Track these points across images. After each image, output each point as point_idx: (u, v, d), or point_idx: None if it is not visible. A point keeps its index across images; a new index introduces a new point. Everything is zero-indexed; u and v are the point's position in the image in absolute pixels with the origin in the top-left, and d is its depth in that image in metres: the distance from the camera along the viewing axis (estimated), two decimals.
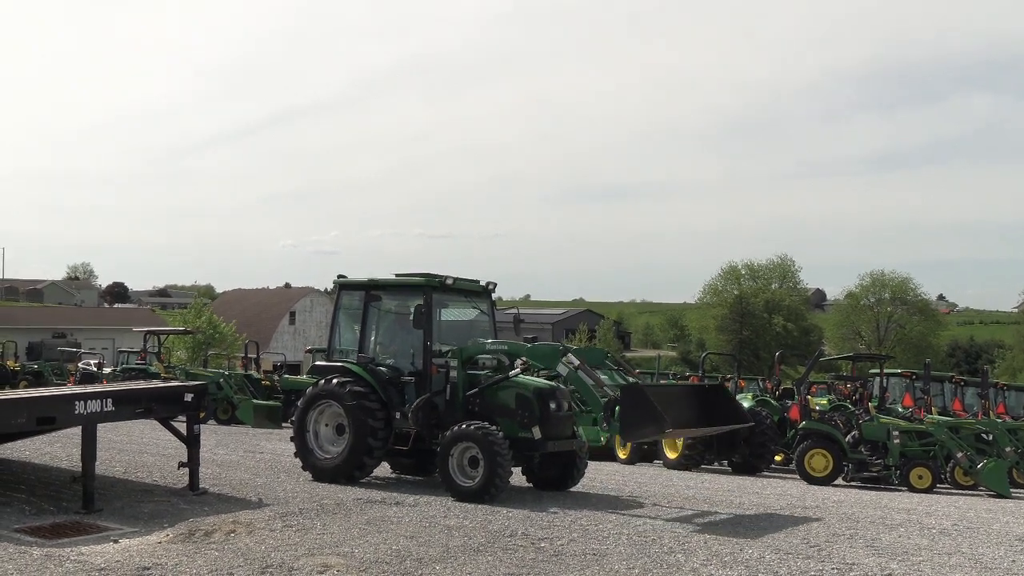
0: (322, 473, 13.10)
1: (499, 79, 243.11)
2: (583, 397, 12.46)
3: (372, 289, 13.83)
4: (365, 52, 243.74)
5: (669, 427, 11.00)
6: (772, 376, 30.01)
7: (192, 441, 11.63)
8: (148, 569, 7.67)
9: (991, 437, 17.96)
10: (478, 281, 14.09)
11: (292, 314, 75.35)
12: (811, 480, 17.95)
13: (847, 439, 18.48)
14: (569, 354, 12.29)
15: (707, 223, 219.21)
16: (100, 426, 10.73)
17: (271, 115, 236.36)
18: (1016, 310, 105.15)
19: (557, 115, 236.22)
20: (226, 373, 29.65)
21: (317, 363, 14.67)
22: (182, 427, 11.76)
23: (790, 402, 22.78)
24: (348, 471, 12.96)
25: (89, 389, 12.50)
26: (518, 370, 12.68)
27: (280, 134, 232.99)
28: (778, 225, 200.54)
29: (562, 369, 12.25)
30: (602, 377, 12.37)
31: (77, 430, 10.59)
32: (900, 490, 17.57)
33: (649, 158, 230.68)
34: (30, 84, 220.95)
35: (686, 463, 19.66)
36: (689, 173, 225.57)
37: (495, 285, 14.18)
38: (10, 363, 41.04)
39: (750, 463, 20.02)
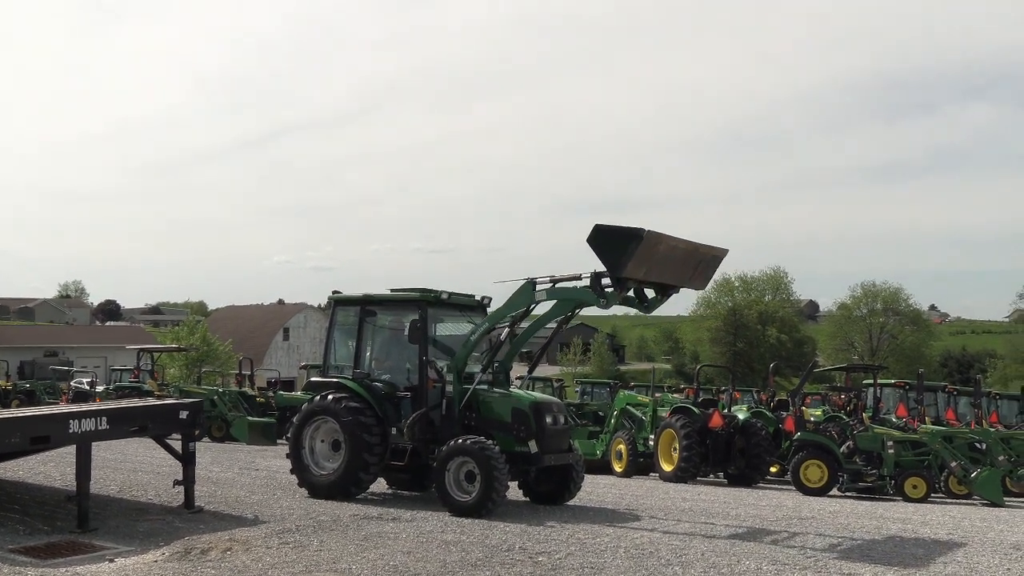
0: (318, 490, 13.07)
1: (498, 92, 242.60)
2: (577, 300, 12.11)
3: (367, 305, 13.83)
4: (365, 65, 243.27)
5: (645, 230, 10.85)
6: (766, 388, 30.14)
7: (187, 459, 11.59)
8: None
9: (984, 446, 17.98)
10: (473, 296, 14.10)
11: (286, 330, 75.39)
12: (806, 491, 17.97)
13: (842, 450, 18.50)
14: (536, 280, 12.27)
15: (701, 235, 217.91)
16: (94, 445, 10.71)
17: (267, 129, 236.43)
18: (1008, 319, 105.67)
19: (556, 128, 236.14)
20: (220, 390, 29.57)
21: (312, 379, 14.63)
22: (177, 445, 11.75)
23: (785, 413, 22.83)
24: (344, 487, 12.93)
25: (83, 408, 12.45)
26: (507, 327, 12.63)
27: (276, 148, 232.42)
28: (769, 236, 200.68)
29: (541, 296, 12.22)
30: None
31: (71, 449, 10.55)
32: (895, 500, 17.59)
33: (648, 171, 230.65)
34: (23, 97, 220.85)
35: (682, 475, 19.65)
36: (688, 185, 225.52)
37: (490, 300, 14.18)
38: (2, 383, 40.91)
39: (746, 475, 20.03)
